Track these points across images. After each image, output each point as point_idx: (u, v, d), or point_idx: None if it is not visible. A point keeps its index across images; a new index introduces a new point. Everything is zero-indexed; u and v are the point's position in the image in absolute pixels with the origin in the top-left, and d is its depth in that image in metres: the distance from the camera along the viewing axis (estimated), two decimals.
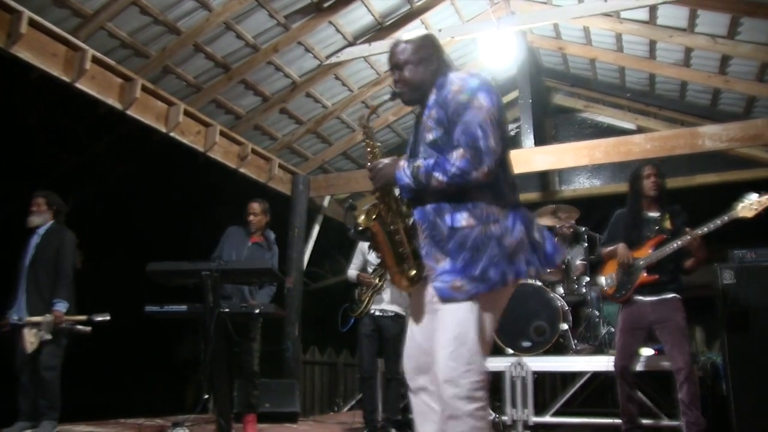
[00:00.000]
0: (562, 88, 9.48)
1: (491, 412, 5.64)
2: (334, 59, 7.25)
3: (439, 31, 7.18)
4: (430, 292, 2.48)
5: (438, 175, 2.35)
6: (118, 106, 6.09)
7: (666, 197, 4.68)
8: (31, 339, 4.82)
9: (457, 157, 2.32)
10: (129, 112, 6.18)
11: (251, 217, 5.68)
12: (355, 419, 6.01)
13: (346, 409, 8.93)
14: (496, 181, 2.40)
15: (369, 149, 2.65)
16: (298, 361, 8.23)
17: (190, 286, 5.25)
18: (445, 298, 2.36)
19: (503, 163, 2.46)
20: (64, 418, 5.05)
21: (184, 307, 5.12)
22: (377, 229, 2.57)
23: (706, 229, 4.31)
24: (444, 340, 2.35)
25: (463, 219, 2.36)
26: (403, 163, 2.47)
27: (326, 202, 9.34)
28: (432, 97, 2.52)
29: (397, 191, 2.57)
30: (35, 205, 5.27)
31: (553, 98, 9.62)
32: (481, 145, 2.31)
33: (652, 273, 4.50)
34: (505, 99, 9.28)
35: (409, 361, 2.61)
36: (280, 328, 7.98)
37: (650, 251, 4.51)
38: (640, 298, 4.55)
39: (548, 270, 2.50)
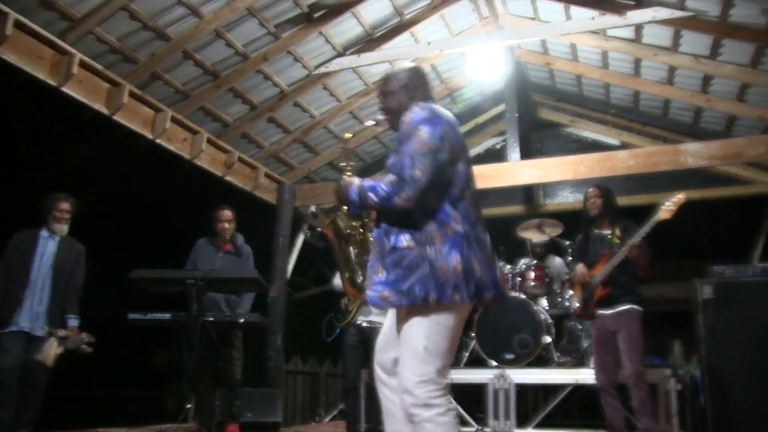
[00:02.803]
0: (548, 102, 9.57)
1: (475, 419, 5.67)
2: (323, 69, 7.28)
3: (429, 44, 7.29)
4: None
5: (372, 196, 2.59)
6: (104, 111, 6.07)
7: (616, 214, 4.87)
8: (54, 351, 4.70)
9: (386, 183, 2.56)
10: (116, 118, 6.16)
11: (225, 225, 5.65)
12: (337, 430, 5.99)
13: (327, 419, 8.91)
14: (439, 210, 2.59)
15: (343, 167, 2.93)
16: (280, 371, 8.20)
17: (174, 294, 5.26)
18: (373, 304, 2.65)
19: (453, 195, 2.63)
20: (39, 429, 4.90)
21: (167, 315, 5.10)
22: (331, 236, 2.91)
23: (638, 238, 4.46)
24: (402, 353, 2.59)
25: (405, 240, 2.57)
26: (357, 181, 2.71)
27: (311, 211, 9.34)
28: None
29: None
30: (62, 211, 5.09)
31: (539, 112, 9.70)
32: (405, 174, 2.52)
33: (606, 287, 4.66)
34: (492, 112, 9.38)
35: (379, 354, 2.86)
36: (263, 337, 7.95)
37: (603, 267, 4.66)
38: (601, 312, 4.71)
39: (479, 301, 2.62)
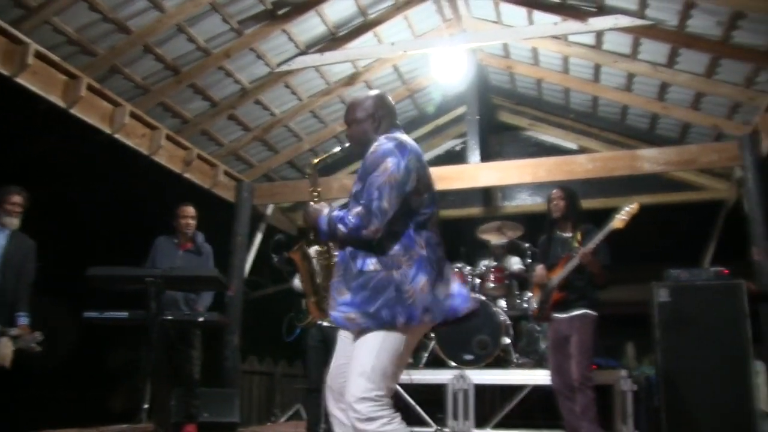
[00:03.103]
0: (508, 105, 9.65)
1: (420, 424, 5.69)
2: (285, 67, 7.22)
3: (393, 44, 7.28)
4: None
5: (341, 227, 2.64)
6: (61, 104, 5.91)
7: (579, 217, 4.88)
8: (7, 351, 4.53)
9: (354, 214, 2.61)
10: (73, 111, 6.01)
11: (189, 221, 5.57)
12: (297, 430, 5.95)
13: (283, 419, 8.85)
14: (404, 235, 2.65)
15: (311, 192, 2.95)
16: (237, 371, 8.12)
17: (131, 292, 5.15)
18: (339, 325, 2.71)
19: (418, 221, 2.68)
20: None
21: (125, 314, 4.98)
22: (298, 261, 3.05)
23: (592, 245, 4.49)
24: (350, 369, 2.62)
25: (371, 264, 2.62)
26: (327, 210, 2.75)
27: (270, 210, 9.27)
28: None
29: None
30: (13, 204, 4.95)
31: (499, 115, 9.77)
32: (373, 206, 2.57)
33: (562, 291, 4.69)
34: (453, 114, 9.42)
35: (330, 378, 2.87)
36: (219, 337, 7.85)
37: (561, 270, 4.69)
38: (557, 315, 4.75)
39: (445, 321, 2.71)
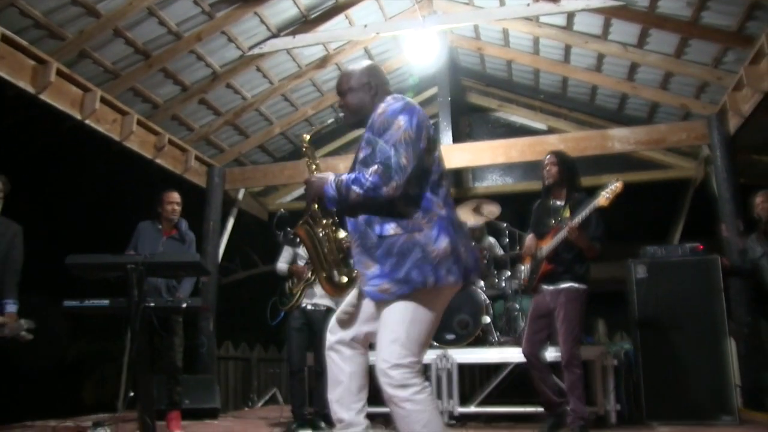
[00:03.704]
0: (478, 87, 9.70)
1: None
2: (257, 50, 7.14)
3: (365, 26, 7.24)
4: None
5: (355, 188, 2.58)
6: (30, 89, 5.76)
7: (573, 185, 4.70)
8: None
9: (371, 173, 2.55)
10: (42, 97, 5.86)
11: (174, 207, 5.46)
12: (283, 413, 5.95)
13: (260, 404, 8.84)
14: (422, 197, 2.63)
15: (308, 165, 2.95)
16: (212, 357, 8.08)
17: (112, 279, 5.07)
18: (376, 299, 2.62)
19: (432, 182, 2.66)
20: None
21: (106, 302, 4.90)
22: (304, 236, 2.89)
23: (578, 219, 4.39)
24: (381, 337, 2.59)
25: (390, 228, 2.58)
26: (332, 177, 2.68)
27: (241, 195, 9.20)
28: (369, 121, 2.74)
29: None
30: None
31: (469, 97, 9.82)
32: (392, 162, 2.53)
33: (550, 262, 4.59)
34: (424, 95, 9.42)
35: (339, 314, 2.87)
36: (193, 324, 7.78)
37: (551, 241, 4.59)
38: (544, 286, 4.67)
39: (467, 282, 2.68)
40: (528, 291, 4.97)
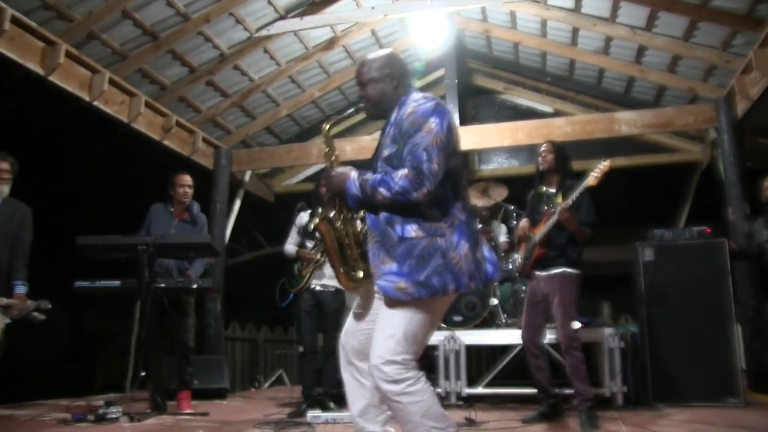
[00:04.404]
0: (484, 69, 9.69)
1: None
2: (264, 32, 7.14)
3: (372, 8, 7.23)
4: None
5: (383, 191, 2.51)
6: (39, 71, 5.77)
7: (566, 173, 4.79)
8: (1, 322, 4.36)
9: (400, 177, 2.48)
10: (51, 78, 5.87)
11: (186, 190, 5.50)
12: (293, 393, 6.01)
13: (267, 385, 8.92)
14: (445, 200, 2.57)
15: (328, 156, 2.83)
16: (220, 337, 8.14)
17: (122, 260, 5.11)
18: (390, 296, 2.54)
19: (454, 185, 2.62)
20: None
21: (117, 283, 4.97)
22: (324, 230, 2.79)
23: (570, 201, 4.45)
24: (379, 332, 2.58)
25: (412, 230, 2.52)
26: (354, 174, 2.62)
27: (247, 176, 9.21)
28: (393, 115, 2.68)
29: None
30: (1, 171, 4.77)
31: (475, 79, 9.81)
32: (424, 168, 2.46)
33: (543, 248, 4.65)
34: (430, 78, 9.41)
35: (346, 338, 2.84)
36: (201, 305, 7.83)
37: (544, 226, 4.65)
38: (537, 272, 4.72)
39: (486, 284, 2.73)
40: (523, 276, 5.06)
